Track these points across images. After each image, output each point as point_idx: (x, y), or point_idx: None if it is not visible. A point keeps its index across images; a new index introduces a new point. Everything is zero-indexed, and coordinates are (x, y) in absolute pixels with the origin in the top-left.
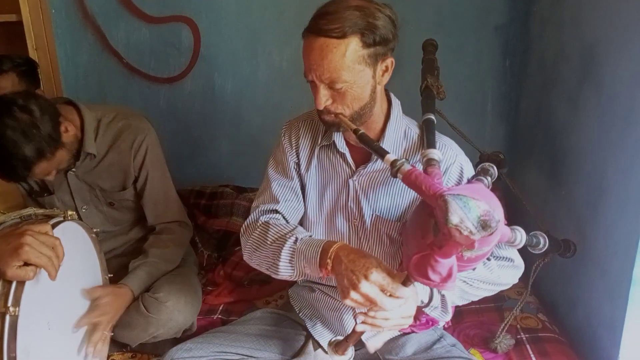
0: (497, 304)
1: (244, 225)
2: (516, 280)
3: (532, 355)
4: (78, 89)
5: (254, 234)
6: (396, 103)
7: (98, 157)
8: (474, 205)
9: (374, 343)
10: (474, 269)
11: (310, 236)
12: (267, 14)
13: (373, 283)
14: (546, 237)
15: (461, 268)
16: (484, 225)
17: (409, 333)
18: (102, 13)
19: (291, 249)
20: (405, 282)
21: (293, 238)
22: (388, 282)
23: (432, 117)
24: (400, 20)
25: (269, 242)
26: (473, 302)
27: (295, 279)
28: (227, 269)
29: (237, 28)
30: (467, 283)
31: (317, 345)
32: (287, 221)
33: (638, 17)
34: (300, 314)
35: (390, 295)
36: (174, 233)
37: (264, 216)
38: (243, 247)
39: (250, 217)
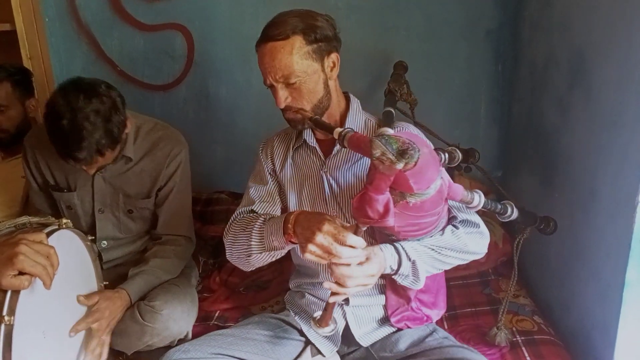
0: (492, 307)
1: (225, 230)
2: (484, 249)
3: (527, 358)
4: None
5: (230, 230)
6: (355, 100)
7: (132, 161)
8: (394, 139)
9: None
10: (433, 230)
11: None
12: (259, 21)
13: (325, 234)
14: (513, 207)
15: (412, 219)
16: (403, 153)
17: (402, 329)
18: (96, 21)
19: (260, 228)
20: (356, 231)
21: (261, 220)
22: (339, 230)
23: (392, 110)
24: (392, 27)
25: (241, 230)
26: (468, 306)
27: (266, 258)
28: (223, 275)
29: (230, 35)
30: (436, 251)
31: (316, 350)
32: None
33: (626, 22)
34: (296, 318)
35: (342, 244)
36: (179, 245)
37: (241, 215)
38: (226, 247)
39: (229, 222)
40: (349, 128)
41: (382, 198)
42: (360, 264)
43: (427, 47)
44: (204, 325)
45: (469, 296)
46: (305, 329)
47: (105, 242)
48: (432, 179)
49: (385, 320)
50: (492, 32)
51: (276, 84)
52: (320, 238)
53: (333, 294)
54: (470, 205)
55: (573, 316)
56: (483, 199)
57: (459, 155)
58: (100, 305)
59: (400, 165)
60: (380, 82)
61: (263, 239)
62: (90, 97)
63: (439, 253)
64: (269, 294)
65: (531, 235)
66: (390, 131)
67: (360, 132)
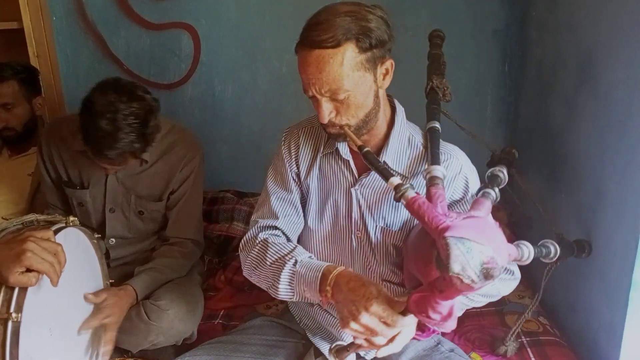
0: (497, 307)
1: (243, 240)
2: (512, 290)
3: (533, 359)
4: (79, 95)
5: (252, 251)
6: (400, 110)
7: (147, 164)
8: (477, 251)
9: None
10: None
11: (311, 257)
12: (266, 20)
13: (373, 314)
14: (556, 245)
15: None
16: (487, 274)
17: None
18: (103, 20)
19: (291, 272)
20: (404, 312)
21: (293, 260)
22: (388, 314)
23: (437, 125)
24: (398, 26)
25: (268, 263)
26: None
27: (296, 300)
28: (228, 274)
29: (236, 34)
30: (468, 297)
31: (319, 352)
32: (287, 237)
33: (634, 22)
34: (300, 324)
35: (390, 327)
36: (186, 248)
37: (263, 232)
38: (242, 263)
39: (249, 233)
40: (409, 185)
41: (448, 303)
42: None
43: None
44: (209, 324)
45: None
46: (309, 334)
47: (113, 239)
48: (499, 276)
49: None
50: (499, 32)
51: (320, 97)
52: (366, 319)
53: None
54: (520, 262)
55: (579, 317)
56: (532, 251)
57: (505, 176)
58: (108, 301)
59: (479, 286)
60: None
61: (293, 284)
62: (131, 99)
63: (471, 300)
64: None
65: (535, 236)
66: (441, 172)
67: (403, 152)
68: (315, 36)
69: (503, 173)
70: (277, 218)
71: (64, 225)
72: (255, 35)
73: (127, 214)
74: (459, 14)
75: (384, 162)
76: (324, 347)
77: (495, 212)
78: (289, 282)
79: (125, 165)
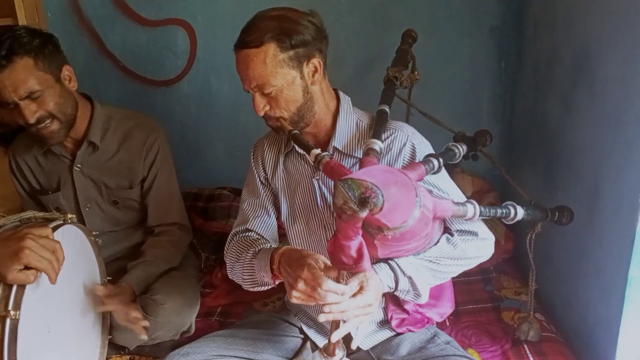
0: (494, 304)
1: (225, 248)
2: (489, 251)
3: (529, 355)
4: None
5: (228, 254)
6: (345, 99)
7: (108, 153)
8: (356, 185)
9: (356, 340)
10: (425, 246)
11: (271, 246)
12: None
13: (305, 280)
14: (517, 206)
15: (398, 248)
16: (364, 202)
17: (404, 332)
18: (98, 16)
19: (251, 263)
20: (339, 274)
21: (252, 252)
22: (316, 276)
23: (386, 107)
24: (395, 23)
25: (237, 259)
26: (470, 302)
27: (261, 289)
28: (225, 271)
29: (232, 31)
30: (433, 262)
31: (315, 347)
32: (260, 236)
33: (629, 19)
34: (296, 317)
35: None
36: (173, 235)
37: (237, 236)
38: (227, 268)
39: (227, 240)
40: (326, 153)
41: (354, 243)
42: (354, 295)
43: (431, 43)
44: (207, 321)
45: (471, 293)
46: (305, 328)
47: (99, 239)
48: (407, 213)
49: (385, 323)
50: (496, 29)
51: (252, 91)
52: (301, 285)
53: (333, 326)
54: (465, 218)
55: (575, 313)
56: (478, 209)
57: (461, 150)
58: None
59: (363, 214)
60: (379, 79)
61: (254, 273)
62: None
63: (438, 263)
64: (270, 290)
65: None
66: (377, 145)
67: (351, 135)
68: (243, 38)
69: (458, 148)
70: (248, 220)
71: (62, 222)
72: None
73: (103, 206)
74: (455, 11)
75: (334, 147)
76: (320, 341)
77: (486, 192)
78: (251, 273)
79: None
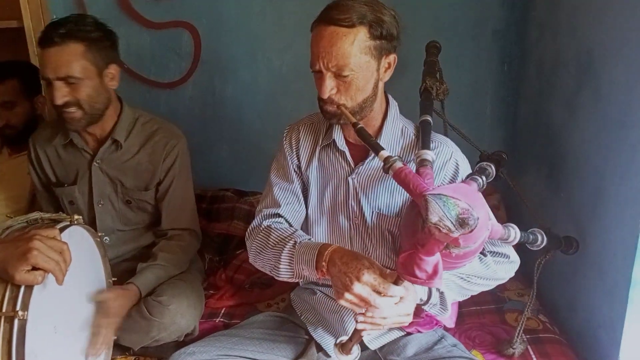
0: (497, 305)
1: (248, 229)
2: (512, 274)
3: (533, 356)
4: None
5: (257, 237)
6: (393, 103)
7: (129, 153)
8: (452, 204)
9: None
10: (466, 265)
11: (310, 239)
12: (267, 20)
13: (365, 284)
14: (544, 234)
15: (452, 265)
16: (462, 223)
17: (413, 333)
18: (103, 18)
19: (290, 252)
20: (396, 281)
21: (292, 242)
22: (379, 282)
23: (429, 118)
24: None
25: (270, 246)
26: (474, 304)
27: (295, 280)
28: (229, 272)
29: (237, 33)
30: (464, 279)
31: (320, 348)
32: (289, 224)
33: (635, 22)
34: (302, 317)
35: (383, 295)
36: (184, 241)
37: (267, 220)
38: (248, 250)
39: (254, 221)
40: (397, 157)
41: (433, 259)
42: (396, 303)
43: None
44: (211, 322)
45: (474, 295)
46: (311, 328)
47: (107, 238)
48: (481, 236)
49: None
50: (499, 33)
51: (325, 71)
52: (358, 289)
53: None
54: (506, 242)
55: (579, 315)
56: (519, 233)
57: (493, 171)
58: (115, 303)
59: (457, 234)
60: (389, 81)
61: (292, 264)
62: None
63: (467, 281)
64: (274, 291)
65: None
66: (430, 155)
67: (396, 141)
68: (334, 14)
69: (491, 168)
70: (280, 206)
71: (68, 223)
72: (255, 35)
73: (116, 204)
74: (459, 15)
75: None
76: (325, 342)
77: (489, 194)
78: (289, 262)
79: (65, 60)
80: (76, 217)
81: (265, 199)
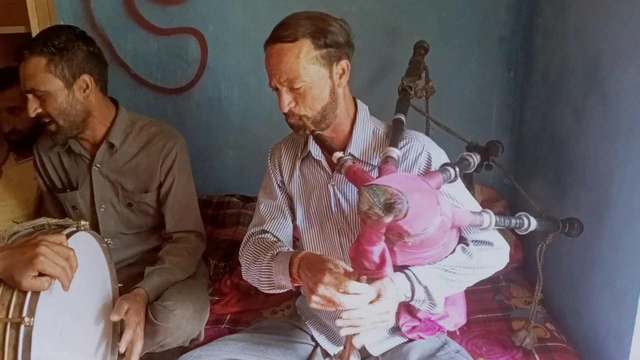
0: (504, 313)
1: (240, 249)
2: (504, 261)
3: None
4: None
5: (244, 255)
6: (362, 107)
7: (127, 156)
8: (381, 191)
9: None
10: (439, 255)
11: (288, 249)
12: (273, 26)
13: (327, 285)
14: (530, 217)
15: (417, 255)
16: (389, 207)
17: (415, 339)
18: (110, 24)
19: (269, 266)
20: (358, 279)
21: (270, 255)
22: (340, 280)
23: (402, 117)
24: (405, 32)
25: (253, 261)
26: (480, 312)
27: (277, 292)
28: (234, 278)
29: (243, 40)
30: (449, 271)
31: (326, 353)
32: (277, 238)
33: None
34: (307, 323)
35: (345, 293)
36: (189, 243)
37: (253, 237)
38: (242, 268)
39: (243, 240)
40: (348, 156)
41: (377, 249)
42: (372, 302)
43: (440, 52)
44: (216, 329)
45: (481, 303)
46: (316, 334)
47: (110, 241)
48: (428, 221)
49: (396, 330)
50: (505, 39)
51: (280, 87)
52: (322, 290)
53: (350, 336)
54: (481, 227)
55: (587, 323)
56: (494, 218)
57: (475, 160)
58: (131, 310)
59: (388, 220)
60: (395, 88)
61: (272, 276)
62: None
63: (453, 273)
64: (280, 298)
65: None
66: (395, 153)
67: (367, 143)
68: (278, 32)
69: (472, 158)
70: (265, 222)
71: (75, 229)
72: (262, 41)
73: (118, 207)
74: (466, 21)
75: (350, 153)
76: (330, 348)
77: (495, 201)
78: (268, 275)
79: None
80: (82, 222)
81: (254, 218)
